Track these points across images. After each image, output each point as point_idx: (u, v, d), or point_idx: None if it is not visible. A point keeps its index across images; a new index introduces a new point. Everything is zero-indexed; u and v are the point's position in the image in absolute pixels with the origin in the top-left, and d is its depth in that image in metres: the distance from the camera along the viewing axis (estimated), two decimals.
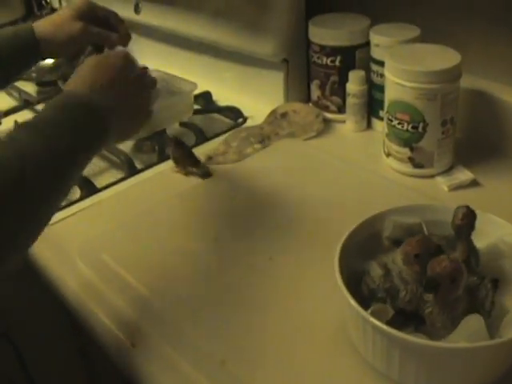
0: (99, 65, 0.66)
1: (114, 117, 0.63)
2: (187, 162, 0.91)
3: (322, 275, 0.63)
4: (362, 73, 0.97)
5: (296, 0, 1.01)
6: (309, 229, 0.77)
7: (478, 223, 0.59)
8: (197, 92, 1.08)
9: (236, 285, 0.69)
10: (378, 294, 0.57)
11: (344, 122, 1.03)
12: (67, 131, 0.58)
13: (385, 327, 0.51)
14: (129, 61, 0.69)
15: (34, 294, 0.88)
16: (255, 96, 1.12)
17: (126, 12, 1.25)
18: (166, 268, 0.73)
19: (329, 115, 1.05)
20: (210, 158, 0.95)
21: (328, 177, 0.88)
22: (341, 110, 1.03)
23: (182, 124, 1.08)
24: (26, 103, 1.22)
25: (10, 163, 0.52)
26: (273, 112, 1.06)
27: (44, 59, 0.94)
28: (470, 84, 0.89)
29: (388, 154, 0.90)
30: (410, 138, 0.85)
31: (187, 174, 0.91)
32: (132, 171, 0.95)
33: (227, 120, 1.10)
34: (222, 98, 1.17)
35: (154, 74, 1.05)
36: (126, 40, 0.93)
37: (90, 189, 0.90)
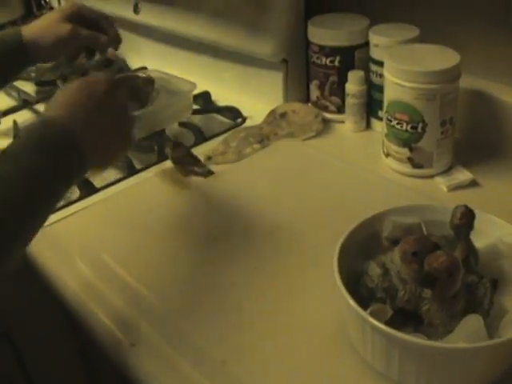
0: (80, 89, 0.64)
1: (92, 144, 0.61)
2: (188, 162, 0.91)
3: (322, 275, 0.63)
4: (361, 73, 0.97)
5: (295, 0, 1.01)
6: (308, 229, 0.77)
7: (477, 223, 0.59)
8: (196, 92, 1.08)
9: (236, 285, 0.69)
10: (377, 293, 0.57)
11: (343, 122, 1.03)
12: (43, 158, 0.57)
13: (384, 327, 0.52)
14: (112, 86, 0.65)
15: (34, 293, 0.87)
16: (254, 96, 1.12)
17: (125, 12, 1.25)
18: (166, 268, 0.73)
19: (328, 115, 1.05)
20: (209, 158, 0.95)
21: (327, 177, 0.88)
22: (340, 110, 1.03)
23: (181, 124, 1.08)
24: (25, 103, 1.21)
25: None
26: (272, 112, 1.05)
27: (34, 64, 0.93)
28: (470, 84, 0.89)
29: (387, 154, 0.90)
30: (409, 138, 0.85)
31: (187, 174, 0.91)
32: (131, 171, 0.95)
33: (226, 120, 1.10)
34: (221, 97, 1.17)
35: (153, 74, 1.06)
36: (116, 42, 0.92)
37: (89, 189, 0.90)
